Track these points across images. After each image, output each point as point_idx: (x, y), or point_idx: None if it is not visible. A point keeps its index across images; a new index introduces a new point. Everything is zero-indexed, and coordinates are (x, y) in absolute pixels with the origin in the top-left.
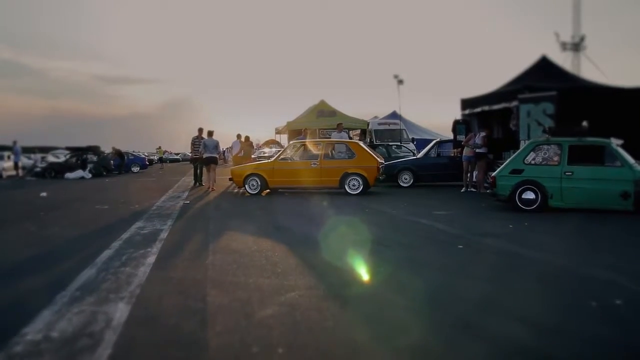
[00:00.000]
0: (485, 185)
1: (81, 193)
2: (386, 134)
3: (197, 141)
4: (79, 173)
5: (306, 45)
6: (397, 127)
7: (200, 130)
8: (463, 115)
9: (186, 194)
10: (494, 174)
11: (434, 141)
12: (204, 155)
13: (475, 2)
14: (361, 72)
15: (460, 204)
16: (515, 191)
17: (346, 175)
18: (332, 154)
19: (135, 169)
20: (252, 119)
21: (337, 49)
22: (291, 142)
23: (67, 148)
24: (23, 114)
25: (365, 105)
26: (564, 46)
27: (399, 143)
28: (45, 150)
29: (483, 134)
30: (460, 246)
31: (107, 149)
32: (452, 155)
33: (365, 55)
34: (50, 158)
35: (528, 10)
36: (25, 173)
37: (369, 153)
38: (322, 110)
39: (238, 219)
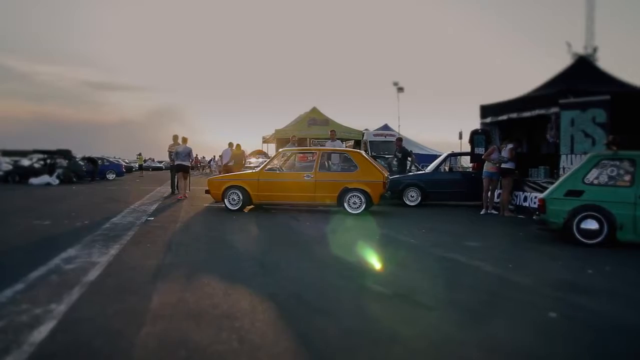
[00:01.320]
0: (510, 207)
1: (31, 202)
2: (382, 146)
3: (173, 149)
4: (44, 179)
5: (298, 50)
6: (394, 138)
7: (175, 137)
8: (482, 124)
9: (154, 206)
10: (542, 195)
11: (445, 154)
12: (175, 163)
13: (483, 10)
14: (355, 81)
15: (492, 232)
16: (572, 219)
17: (346, 191)
18: (329, 165)
19: (111, 176)
20: (242, 128)
21: (330, 55)
22: (280, 150)
23: (35, 151)
24: (7, 118)
25: (358, 116)
26: (575, 58)
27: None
28: (25, 154)
29: (511, 145)
30: (553, 314)
31: (93, 154)
32: (469, 170)
33: (360, 63)
34: (25, 162)
35: (538, 20)
36: None
37: (374, 165)
38: (314, 119)
39: (208, 247)
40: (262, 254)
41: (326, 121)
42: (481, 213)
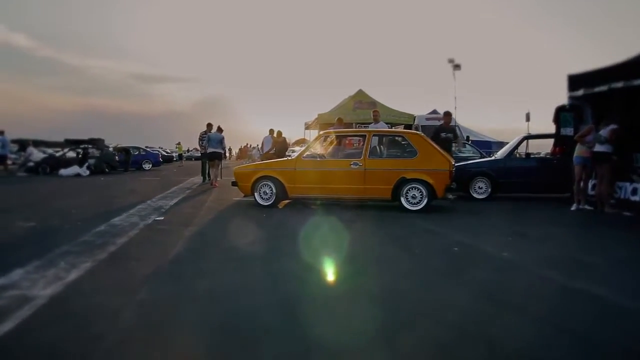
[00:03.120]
0: (612, 202)
1: (40, 196)
2: None
3: (204, 136)
4: (74, 169)
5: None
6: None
7: (209, 125)
8: (572, 98)
9: (174, 201)
10: None
11: (520, 137)
12: (207, 150)
13: None
14: (405, 60)
15: (610, 239)
16: None
17: (403, 182)
18: (381, 150)
19: (147, 165)
20: (287, 117)
21: (376, 31)
22: (322, 132)
23: (67, 141)
24: (60, 110)
25: (408, 100)
26: None
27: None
28: (57, 144)
29: (614, 126)
30: None
31: (141, 145)
32: (550, 156)
33: (409, 38)
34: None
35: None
36: (17, 168)
37: (437, 150)
38: (360, 101)
39: (214, 271)
40: (299, 283)
41: (373, 104)
42: (572, 209)
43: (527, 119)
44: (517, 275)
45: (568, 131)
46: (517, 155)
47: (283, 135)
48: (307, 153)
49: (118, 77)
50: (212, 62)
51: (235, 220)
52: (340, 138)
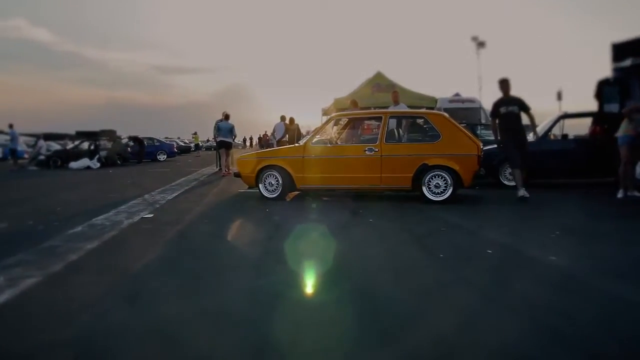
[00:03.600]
0: None
1: (40, 190)
2: (460, 115)
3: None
4: (84, 162)
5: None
6: (474, 105)
7: (226, 115)
8: (617, 70)
9: (173, 195)
10: None
11: (556, 116)
12: (217, 139)
13: None
14: (425, 39)
15: None
16: None
17: (425, 170)
18: (400, 133)
19: (162, 156)
20: (307, 104)
21: (395, 9)
22: (333, 114)
23: (78, 133)
24: (83, 104)
25: (429, 82)
26: None
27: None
28: (68, 137)
29: None
30: None
31: (161, 137)
32: (590, 136)
33: (430, 16)
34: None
35: None
36: (28, 162)
37: (463, 133)
38: (379, 84)
39: (184, 289)
40: (313, 308)
41: (392, 86)
42: (619, 196)
43: (559, 97)
44: (580, 295)
45: (612, 107)
46: (553, 137)
47: (296, 122)
48: (317, 139)
49: (138, 69)
50: (232, 51)
51: (231, 218)
52: (353, 121)
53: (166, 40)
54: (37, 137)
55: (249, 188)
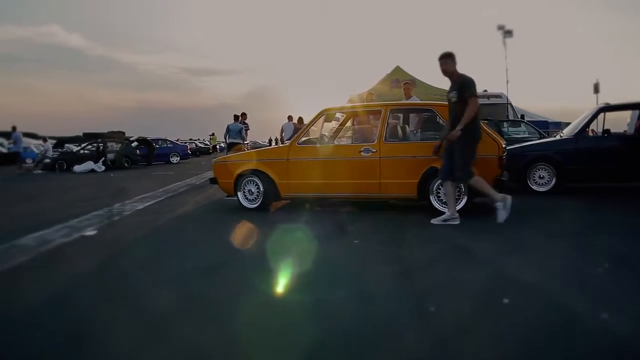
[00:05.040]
0: None
1: (13, 198)
2: (485, 111)
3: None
4: (88, 165)
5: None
6: (501, 100)
7: (244, 115)
8: None
9: (145, 205)
10: None
11: (595, 109)
12: (227, 141)
13: None
14: (447, 32)
15: None
16: None
17: (433, 174)
18: (403, 130)
19: (175, 158)
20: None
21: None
22: (323, 109)
23: (86, 135)
24: (114, 107)
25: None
26: None
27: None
28: (76, 139)
29: None
30: None
31: (185, 138)
32: (637, 132)
33: (455, 10)
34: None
35: None
36: (34, 165)
37: (483, 129)
38: (397, 80)
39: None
40: None
41: (412, 82)
42: None
43: (596, 89)
44: None
45: None
46: (592, 133)
47: (304, 122)
48: (304, 137)
49: (168, 72)
50: (260, 53)
51: (190, 235)
52: (348, 116)
53: (195, 42)
54: (43, 139)
55: (227, 196)
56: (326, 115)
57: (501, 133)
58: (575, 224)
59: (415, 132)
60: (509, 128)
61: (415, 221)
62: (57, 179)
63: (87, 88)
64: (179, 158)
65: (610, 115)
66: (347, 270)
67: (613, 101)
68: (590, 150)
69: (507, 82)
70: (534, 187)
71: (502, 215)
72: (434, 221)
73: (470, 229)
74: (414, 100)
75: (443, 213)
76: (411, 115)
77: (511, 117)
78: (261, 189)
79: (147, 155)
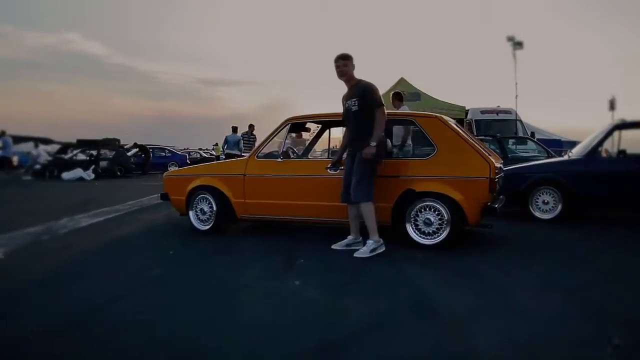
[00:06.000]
0: None
1: None
2: (494, 128)
3: (245, 137)
4: (77, 172)
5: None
6: (510, 116)
7: (251, 126)
8: None
9: (93, 221)
10: None
11: (609, 126)
12: (224, 152)
13: None
14: (453, 43)
15: None
16: None
17: (410, 198)
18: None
19: (173, 167)
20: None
21: (420, 11)
22: (288, 118)
23: (79, 141)
24: (134, 115)
25: (459, 90)
26: None
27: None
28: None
29: None
30: None
31: (195, 147)
32: None
33: (460, 17)
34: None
35: None
36: (24, 171)
37: (471, 145)
38: (402, 92)
39: None
40: None
41: (417, 95)
42: None
43: (612, 106)
44: None
45: None
46: (605, 154)
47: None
48: (264, 150)
49: (185, 82)
50: (275, 65)
51: (89, 267)
52: (314, 127)
53: (212, 53)
54: (35, 144)
55: (181, 215)
56: (290, 125)
57: (505, 151)
58: (588, 265)
59: (396, 147)
60: (518, 146)
61: (384, 255)
62: (38, 186)
63: (107, 95)
64: (177, 166)
65: (626, 134)
66: (260, 330)
67: (632, 117)
68: (604, 172)
69: (516, 96)
70: (537, 214)
71: (361, 252)
72: (357, 255)
73: (452, 271)
74: (404, 109)
75: (423, 246)
76: (395, 127)
77: (520, 134)
78: (213, 208)
79: (142, 163)
